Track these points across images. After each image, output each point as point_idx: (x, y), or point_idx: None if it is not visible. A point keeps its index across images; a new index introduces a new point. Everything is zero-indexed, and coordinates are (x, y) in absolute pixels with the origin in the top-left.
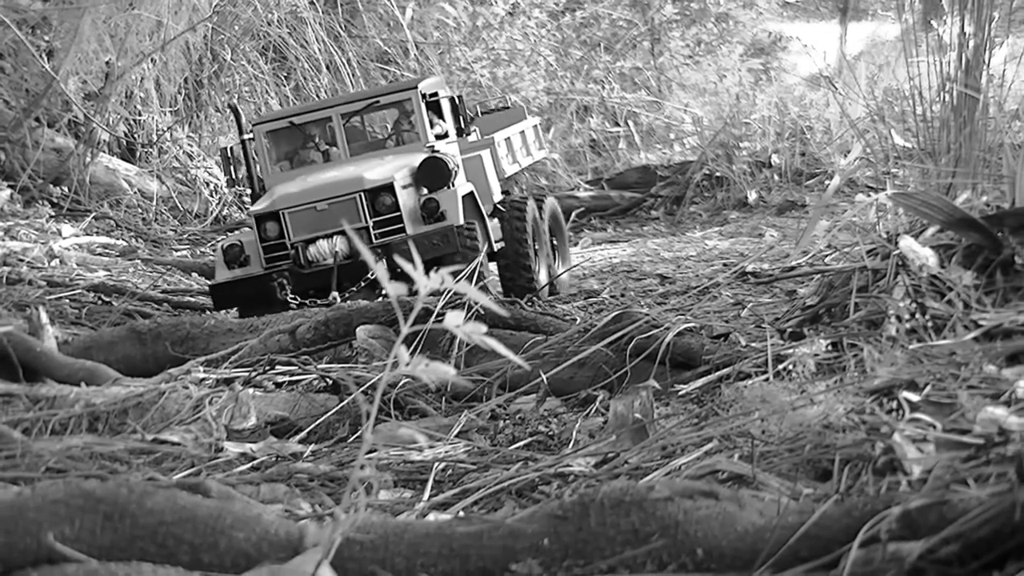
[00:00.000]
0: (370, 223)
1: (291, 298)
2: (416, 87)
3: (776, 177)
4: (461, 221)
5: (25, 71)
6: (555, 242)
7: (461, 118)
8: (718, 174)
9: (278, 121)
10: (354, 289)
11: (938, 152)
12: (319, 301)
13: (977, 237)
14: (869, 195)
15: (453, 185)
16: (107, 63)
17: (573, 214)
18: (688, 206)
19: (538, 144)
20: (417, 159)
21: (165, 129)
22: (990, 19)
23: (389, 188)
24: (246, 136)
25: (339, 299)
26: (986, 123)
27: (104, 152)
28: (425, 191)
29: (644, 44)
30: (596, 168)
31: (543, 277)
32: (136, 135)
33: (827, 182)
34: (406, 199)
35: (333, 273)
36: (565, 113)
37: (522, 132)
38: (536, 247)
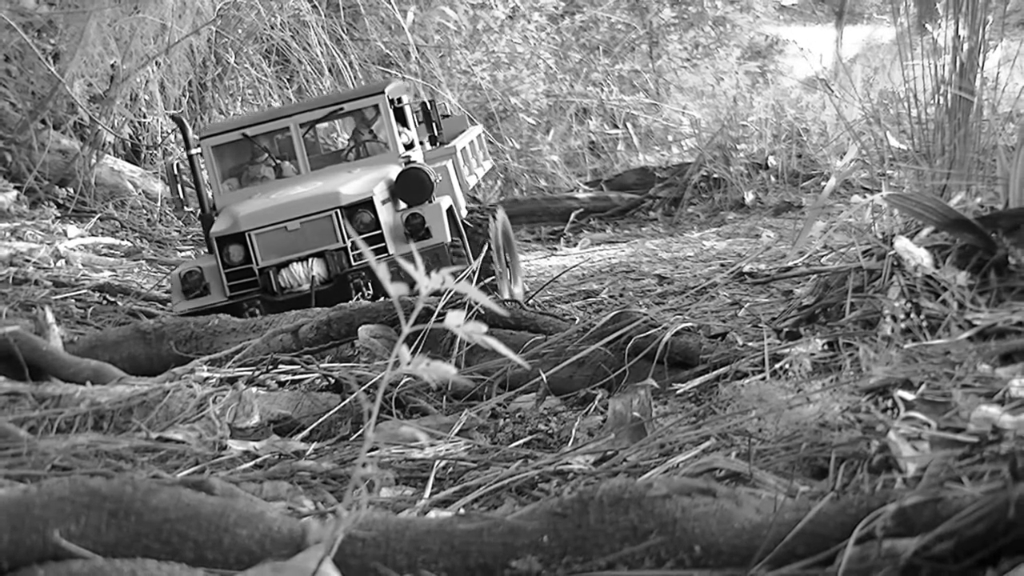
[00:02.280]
0: (348, 243)
1: None
2: (383, 91)
3: (773, 179)
4: (449, 238)
5: (31, 74)
6: (507, 257)
7: (435, 124)
8: (715, 176)
9: (228, 133)
10: None
11: (933, 154)
12: None
13: (971, 238)
14: (865, 196)
15: (434, 199)
16: (112, 66)
17: (572, 215)
18: (686, 207)
19: (483, 154)
20: (391, 171)
21: (169, 131)
22: (984, 23)
23: (368, 204)
24: (193, 151)
25: None
26: (980, 125)
27: (109, 154)
28: (404, 206)
29: (642, 47)
30: (595, 170)
31: (505, 295)
32: (141, 137)
33: (823, 184)
34: (386, 216)
35: (311, 300)
36: (564, 115)
37: (471, 142)
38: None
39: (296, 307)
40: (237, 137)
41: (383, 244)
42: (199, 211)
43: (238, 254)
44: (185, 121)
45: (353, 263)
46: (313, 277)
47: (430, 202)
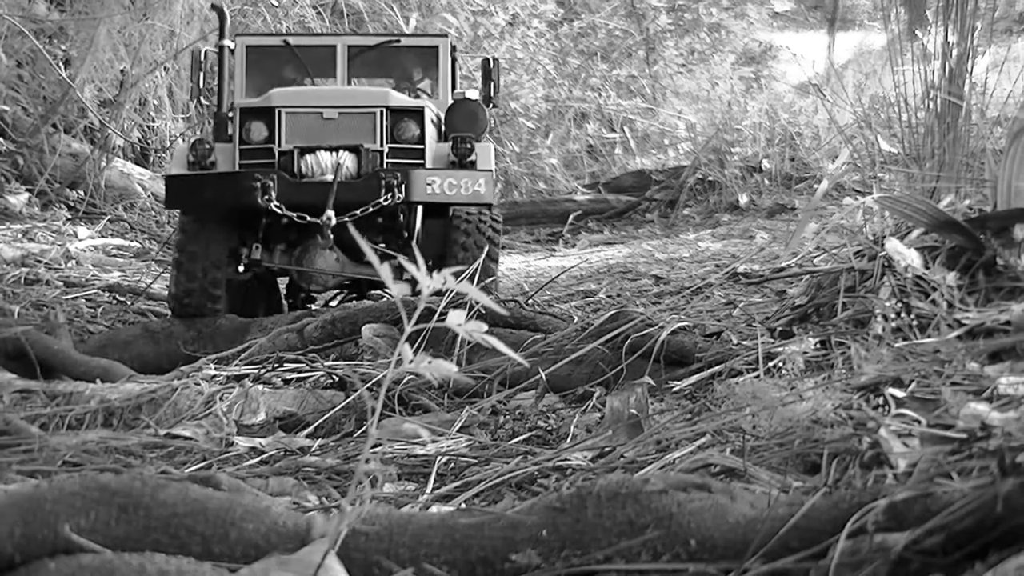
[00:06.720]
0: (386, 148)
1: (275, 205)
2: (447, 36)
3: (766, 181)
4: (495, 172)
5: (43, 79)
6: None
7: (493, 85)
8: (711, 178)
9: (268, 37)
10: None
11: (923, 157)
12: (308, 218)
13: (960, 239)
14: (856, 199)
15: (483, 139)
16: (122, 71)
17: (571, 217)
18: (682, 209)
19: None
20: (441, 107)
21: (177, 135)
22: (973, 29)
23: (418, 114)
24: (227, 42)
25: (334, 221)
26: (969, 129)
27: (119, 157)
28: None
29: (639, 53)
30: (593, 172)
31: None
32: (149, 141)
33: (815, 186)
34: (431, 135)
35: (331, 189)
36: (563, 119)
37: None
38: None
39: (316, 194)
40: (276, 43)
41: (422, 161)
42: (216, 107)
43: (260, 133)
44: (226, 11)
45: (386, 166)
46: (339, 165)
47: (478, 141)
